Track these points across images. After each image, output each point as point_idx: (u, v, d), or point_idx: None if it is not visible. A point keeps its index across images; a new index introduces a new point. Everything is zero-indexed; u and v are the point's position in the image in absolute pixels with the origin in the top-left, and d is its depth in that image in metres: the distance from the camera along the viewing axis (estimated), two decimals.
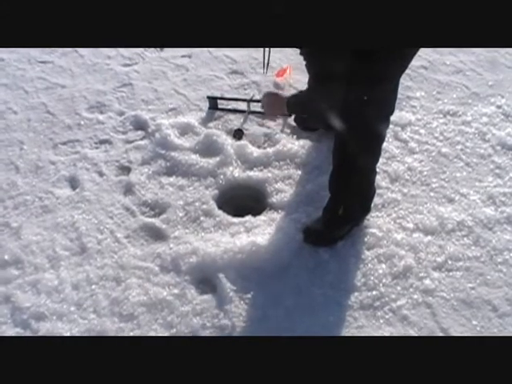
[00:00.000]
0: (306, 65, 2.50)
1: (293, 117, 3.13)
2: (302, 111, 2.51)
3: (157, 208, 2.78)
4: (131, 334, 2.28)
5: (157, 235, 2.66)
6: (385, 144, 2.47)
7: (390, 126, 2.51)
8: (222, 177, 2.86)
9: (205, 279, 2.47)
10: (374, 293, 2.39)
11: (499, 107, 3.28)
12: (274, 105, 2.45)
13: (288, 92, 3.23)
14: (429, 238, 2.60)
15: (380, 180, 2.80)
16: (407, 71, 2.23)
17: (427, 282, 2.43)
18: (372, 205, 2.64)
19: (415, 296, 2.39)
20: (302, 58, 2.46)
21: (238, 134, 3.06)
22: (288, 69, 3.44)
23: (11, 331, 2.30)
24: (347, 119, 2.15)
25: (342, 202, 2.53)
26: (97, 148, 3.10)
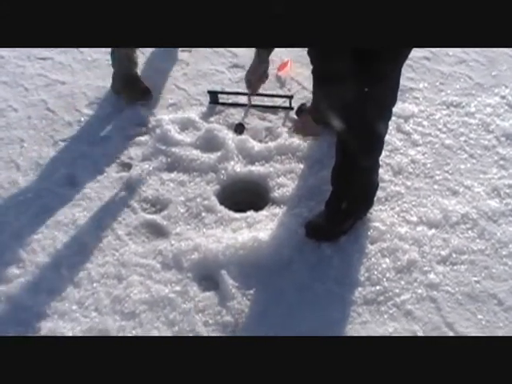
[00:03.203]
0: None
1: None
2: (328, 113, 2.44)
3: (158, 204, 2.76)
4: (133, 332, 2.27)
5: (158, 232, 2.64)
6: (387, 136, 2.44)
7: (393, 118, 2.49)
8: (223, 172, 2.84)
9: (207, 276, 2.46)
10: (378, 288, 2.37)
11: (503, 98, 3.24)
12: (307, 127, 2.42)
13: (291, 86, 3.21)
14: (433, 231, 2.57)
15: (383, 173, 2.77)
16: (410, 62, 2.21)
17: (431, 276, 2.41)
18: (375, 198, 2.62)
19: (419, 290, 2.36)
20: (300, 50, 2.42)
21: (239, 129, 3.03)
22: (289, 62, 3.41)
23: (13, 330, 2.29)
24: (347, 119, 2.12)
25: (345, 197, 2.50)
26: (97, 145, 3.08)
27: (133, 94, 3.23)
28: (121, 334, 2.27)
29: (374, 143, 2.33)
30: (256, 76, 2.66)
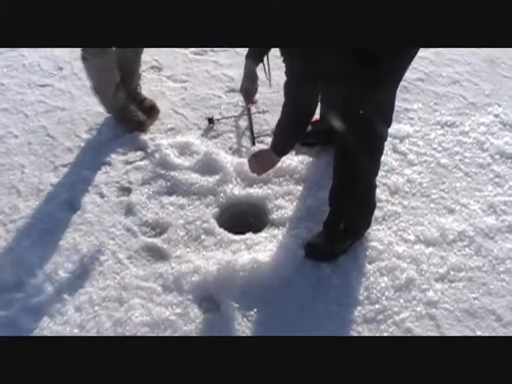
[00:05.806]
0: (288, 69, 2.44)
1: None
2: (291, 141, 2.45)
3: (158, 228, 2.78)
4: None
5: (158, 255, 2.66)
6: (383, 157, 2.47)
7: (389, 139, 2.52)
8: (222, 195, 2.87)
9: (207, 298, 2.47)
10: (377, 306, 2.39)
11: (497, 116, 3.30)
12: (263, 162, 2.52)
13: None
14: (430, 249, 2.60)
15: (380, 193, 2.80)
16: (404, 83, 2.24)
17: (430, 293, 2.43)
18: (372, 218, 2.64)
19: (418, 308, 2.38)
20: None
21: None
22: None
23: None
24: (348, 122, 2.15)
25: (343, 217, 2.53)
26: (97, 170, 3.11)
27: (127, 127, 3.28)
28: None
29: (375, 146, 2.34)
30: (250, 87, 2.77)
